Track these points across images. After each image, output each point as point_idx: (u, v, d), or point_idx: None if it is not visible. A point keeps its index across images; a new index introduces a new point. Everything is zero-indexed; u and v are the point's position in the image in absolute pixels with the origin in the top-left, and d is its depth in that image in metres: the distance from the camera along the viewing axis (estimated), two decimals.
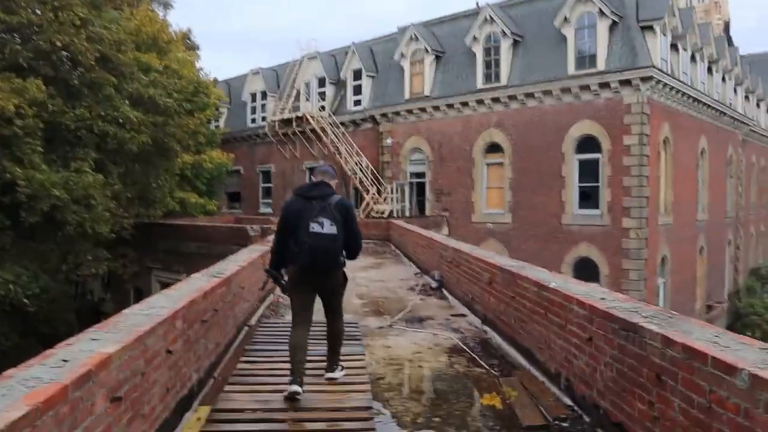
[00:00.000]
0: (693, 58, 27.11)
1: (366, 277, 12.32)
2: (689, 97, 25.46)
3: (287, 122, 33.52)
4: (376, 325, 7.60)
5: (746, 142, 36.41)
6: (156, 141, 20.61)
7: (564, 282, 5.03)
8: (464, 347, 6.26)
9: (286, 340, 5.32)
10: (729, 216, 32.86)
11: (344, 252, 4.99)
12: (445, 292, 9.82)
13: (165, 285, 25.87)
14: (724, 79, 32.29)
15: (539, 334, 5.12)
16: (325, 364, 5.20)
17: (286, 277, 5.04)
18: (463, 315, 8.05)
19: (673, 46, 24.74)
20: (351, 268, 6.22)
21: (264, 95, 37.16)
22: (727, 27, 53.42)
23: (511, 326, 5.96)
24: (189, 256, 24.09)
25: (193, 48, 33.68)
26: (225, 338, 5.98)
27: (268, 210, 36.56)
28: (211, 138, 32.85)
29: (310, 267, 4.79)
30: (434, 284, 10.28)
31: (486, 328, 6.96)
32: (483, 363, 5.63)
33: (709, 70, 29.73)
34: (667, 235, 24.10)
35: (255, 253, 8.76)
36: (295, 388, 4.63)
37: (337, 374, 5.12)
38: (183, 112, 22.48)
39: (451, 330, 7.18)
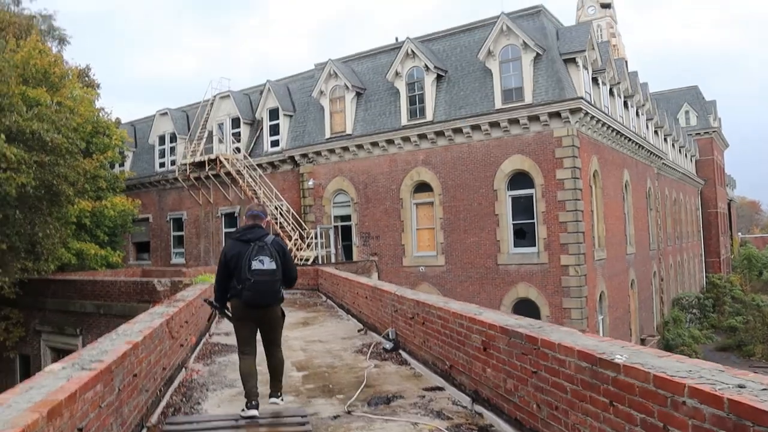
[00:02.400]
0: (611, 92, 27.23)
1: (300, 337, 10.24)
2: (613, 130, 25.37)
3: (200, 165, 31.10)
4: (330, 412, 5.61)
5: (660, 175, 37.27)
6: (43, 183, 17.73)
7: (634, 352, 3.38)
8: None
9: None
10: (652, 248, 33.09)
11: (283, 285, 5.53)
12: (404, 354, 7.97)
13: (57, 351, 22.59)
14: (638, 113, 32.89)
15: None
16: (269, 390, 5.62)
17: (230, 313, 5.62)
18: (439, 388, 6.21)
19: (594, 80, 24.62)
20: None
21: (173, 137, 34.50)
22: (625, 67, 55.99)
23: (533, 412, 4.23)
24: (85, 317, 21.33)
25: (92, 85, 30.71)
26: None
27: (181, 260, 33.62)
28: (114, 183, 29.81)
29: (254, 300, 5.30)
30: (388, 345, 8.40)
31: (481, 409, 5.17)
32: None
33: (625, 104, 30.11)
34: (603, 271, 23.46)
35: (158, 318, 6.47)
36: (254, 412, 5.22)
37: (280, 401, 5.56)
38: (77, 152, 19.72)
39: (434, 414, 5.30)
